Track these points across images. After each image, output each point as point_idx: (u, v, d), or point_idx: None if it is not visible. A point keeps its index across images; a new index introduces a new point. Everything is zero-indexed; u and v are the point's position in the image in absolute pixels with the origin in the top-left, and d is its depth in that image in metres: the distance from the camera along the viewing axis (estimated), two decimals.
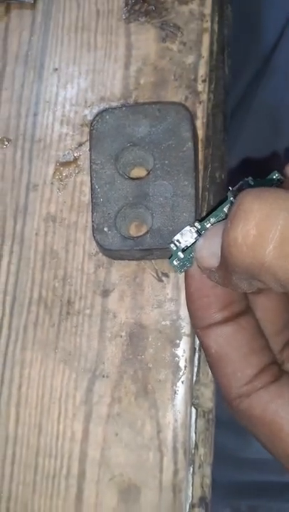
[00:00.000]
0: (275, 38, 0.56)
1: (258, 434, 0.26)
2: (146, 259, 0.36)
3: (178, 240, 0.32)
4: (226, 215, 0.29)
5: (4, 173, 0.38)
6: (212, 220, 0.31)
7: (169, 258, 0.32)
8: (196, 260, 0.28)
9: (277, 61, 0.56)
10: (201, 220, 0.31)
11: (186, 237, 0.32)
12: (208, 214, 0.31)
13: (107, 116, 0.35)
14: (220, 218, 0.30)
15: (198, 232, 0.32)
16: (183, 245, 0.32)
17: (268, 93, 0.57)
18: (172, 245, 0.32)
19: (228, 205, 0.29)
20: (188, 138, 0.34)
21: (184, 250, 0.32)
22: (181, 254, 0.32)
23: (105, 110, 0.35)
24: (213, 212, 0.31)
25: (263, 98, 0.58)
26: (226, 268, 0.23)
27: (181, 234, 0.32)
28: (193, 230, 0.32)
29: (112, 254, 0.35)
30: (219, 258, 0.25)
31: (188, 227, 0.32)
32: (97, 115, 0.35)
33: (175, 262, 0.32)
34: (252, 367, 0.26)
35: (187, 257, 0.32)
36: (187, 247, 0.32)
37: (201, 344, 0.28)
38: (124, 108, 0.35)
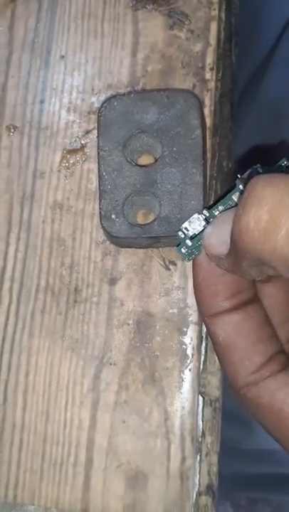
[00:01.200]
0: (279, 29, 0.56)
1: (265, 422, 0.26)
2: (154, 247, 0.36)
3: (186, 228, 0.32)
4: (235, 203, 0.29)
5: (11, 161, 0.38)
6: (220, 207, 0.30)
7: (177, 246, 0.32)
8: (205, 248, 0.28)
9: (282, 52, 0.55)
10: (209, 208, 0.31)
11: (194, 224, 0.32)
12: (217, 202, 0.31)
13: (115, 103, 0.34)
14: (228, 206, 0.30)
15: (207, 220, 0.31)
16: (191, 233, 0.32)
17: (272, 84, 0.57)
18: (180, 233, 0.32)
19: (236, 193, 0.29)
20: (196, 125, 0.34)
21: (192, 238, 0.32)
22: (189, 242, 0.32)
23: (113, 97, 0.35)
24: (222, 200, 0.30)
25: (266, 89, 0.58)
26: (236, 254, 0.23)
27: (189, 222, 0.32)
28: (202, 217, 0.32)
29: (120, 241, 0.35)
30: (228, 245, 0.25)
31: (196, 215, 0.32)
32: (105, 101, 0.35)
33: (183, 250, 0.32)
34: (260, 355, 0.26)
35: (195, 245, 0.32)
36: (195, 235, 0.32)
37: (209, 332, 0.28)
38: (132, 95, 0.35)
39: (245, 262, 0.23)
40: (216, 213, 0.30)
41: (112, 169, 0.34)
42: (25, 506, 0.34)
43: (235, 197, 0.29)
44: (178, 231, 0.32)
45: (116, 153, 0.34)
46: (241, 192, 0.28)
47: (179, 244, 0.32)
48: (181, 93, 0.35)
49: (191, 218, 0.32)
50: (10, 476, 0.34)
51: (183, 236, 0.32)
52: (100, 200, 0.34)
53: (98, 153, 0.34)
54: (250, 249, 0.22)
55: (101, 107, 0.35)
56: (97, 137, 0.34)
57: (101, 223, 0.34)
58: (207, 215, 0.31)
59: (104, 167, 0.34)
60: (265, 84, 0.57)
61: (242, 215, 0.21)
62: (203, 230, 0.31)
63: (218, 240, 0.26)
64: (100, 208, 0.34)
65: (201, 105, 0.36)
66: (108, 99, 0.35)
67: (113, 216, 0.34)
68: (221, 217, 0.28)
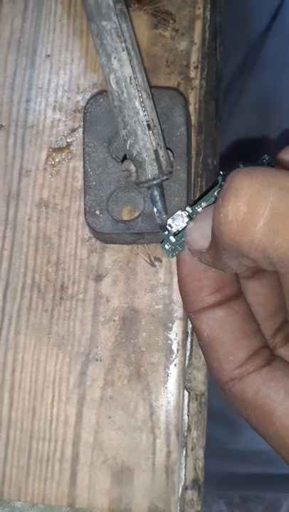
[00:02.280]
0: (263, 27, 0.56)
1: (250, 417, 0.26)
2: (138, 244, 0.36)
3: (169, 225, 0.32)
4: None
5: None
6: (203, 204, 0.31)
7: (161, 242, 0.32)
8: (187, 243, 0.28)
9: (266, 51, 0.56)
10: (192, 205, 0.32)
11: (178, 221, 0.32)
12: (200, 198, 0.32)
13: (101, 100, 0.35)
14: (211, 202, 0.30)
15: (190, 217, 0.32)
16: (174, 229, 0.32)
17: (257, 82, 0.57)
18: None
19: (218, 190, 0.29)
20: (181, 123, 0.34)
21: (175, 234, 0.32)
22: (172, 239, 0.32)
23: (99, 93, 0.35)
24: (204, 197, 0.31)
25: (251, 87, 0.58)
26: (216, 247, 0.24)
27: (173, 218, 0.33)
28: (185, 214, 0.32)
29: (104, 237, 0.35)
30: (210, 239, 0.25)
31: (179, 212, 0.32)
32: (91, 98, 0.35)
33: (167, 246, 0.32)
34: (244, 350, 0.27)
35: (179, 241, 0.32)
36: (179, 232, 0.32)
37: (194, 328, 0.28)
38: None
39: (225, 255, 0.23)
40: (199, 210, 0.31)
41: (97, 165, 0.34)
42: (12, 502, 0.34)
43: (217, 193, 0.29)
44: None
45: (101, 150, 0.35)
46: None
47: (163, 241, 0.32)
48: (166, 91, 0.35)
49: (174, 215, 0.32)
50: None
51: (166, 233, 0.32)
52: (85, 196, 0.34)
53: (83, 149, 0.35)
54: (229, 241, 0.22)
55: (87, 103, 0.35)
56: (83, 133, 0.35)
57: (85, 219, 0.34)
58: (190, 211, 0.31)
59: (89, 163, 0.34)
60: (250, 83, 0.58)
61: (221, 207, 0.22)
62: (186, 227, 0.32)
63: (200, 234, 0.27)
64: (84, 204, 0.34)
65: (186, 103, 0.36)
66: (94, 96, 0.35)
67: (97, 212, 0.34)
68: (203, 212, 0.28)
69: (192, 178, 0.37)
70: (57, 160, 0.38)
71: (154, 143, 0.32)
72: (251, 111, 0.59)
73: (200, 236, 0.27)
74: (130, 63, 0.32)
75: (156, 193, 0.32)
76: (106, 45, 0.32)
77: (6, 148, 0.38)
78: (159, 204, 0.33)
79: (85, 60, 0.39)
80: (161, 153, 0.32)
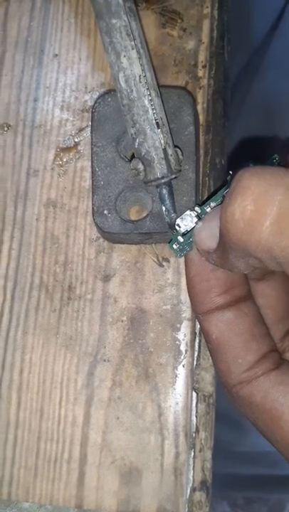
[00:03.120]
0: (267, 28, 0.56)
1: (257, 421, 0.26)
2: (146, 244, 0.36)
3: (178, 224, 0.32)
4: None
5: (4, 159, 0.38)
6: (212, 204, 0.31)
7: (169, 242, 0.32)
8: (195, 243, 0.28)
9: (271, 52, 0.56)
10: (201, 205, 0.32)
11: (186, 221, 0.32)
12: (209, 198, 0.31)
13: (109, 99, 0.34)
14: (220, 202, 0.30)
15: (199, 217, 0.31)
16: (183, 229, 0.32)
17: (261, 83, 0.57)
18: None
19: (227, 190, 0.29)
20: (190, 122, 0.34)
21: (183, 234, 0.32)
22: (180, 239, 0.32)
23: (108, 93, 0.35)
24: (213, 197, 0.31)
25: (256, 88, 0.58)
26: (223, 247, 0.23)
27: (182, 218, 0.32)
28: (194, 214, 0.32)
29: (112, 237, 0.35)
30: (218, 239, 0.25)
31: (188, 212, 0.32)
32: (99, 97, 0.35)
33: (175, 246, 0.32)
34: (253, 353, 0.26)
35: (187, 241, 0.32)
36: (187, 232, 0.32)
37: (202, 330, 0.28)
38: None
39: (232, 254, 0.23)
40: (208, 210, 0.31)
41: (105, 165, 0.34)
42: (20, 503, 0.34)
43: (226, 193, 0.29)
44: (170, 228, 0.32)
45: (109, 149, 0.34)
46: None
47: (171, 241, 0.32)
48: (175, 90, 0.35)
49: (183, 215, 0.32)
50: (4, 473, 0.34)
51: (175, 232, 0.32)
52: (93, 196, 0.34)
53: (92, 149, 0.34)
54: (236, 240, 0.21)
55: (95, 102, 0.35)
56: (91, 133, 0.35)
57: (93, 219, 0.34)
58: (199, 211, 0.31)
59: (97, 163, 0.34)
60: (256, 84, 0.58)
61: (228, 205, 0.21)
62: (195, 227, 0.31)
63: (208, 234, 0.26)
64: (92, 204, 0.34)
65: (194, 102, 0.36)
66: (102, 95, 0.35)
67: (105, 212, 0.34)
68: (212, 212, 0.28)
69: (200, 178, 0.37)
70: (64, 160, 0.38)
71: (162, 141, 0.32)
72: (256, 112, 0.58)
73: (208, 236, 0.26)
74: (139, 61, 0.32)
75: (164, 191, 0.32)
76: (115, 43, 0.32)
77: (14, 147, 0.38)
78: (168, 203, 0.32)
79: (92, 59, 0.39)
80: (170, 151, 0.32)
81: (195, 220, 0.32)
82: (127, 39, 0.31)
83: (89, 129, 0.38)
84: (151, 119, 0.32)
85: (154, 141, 0.32)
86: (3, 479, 0.34)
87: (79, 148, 0.38)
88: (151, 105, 0.32)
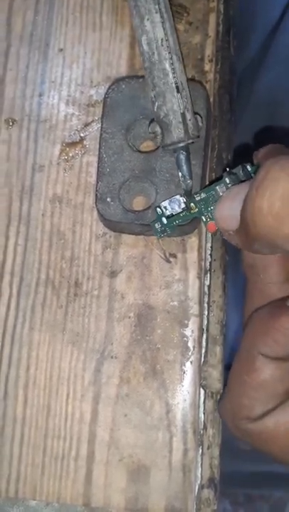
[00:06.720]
0: (272, 24, 0.56)
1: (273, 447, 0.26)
2: (147, 235, 0.35)
3: (165, 207, 0.32)
4: (219, 195, 0.29)
5: (10, 154, 0.38)
6: (203, 194, 0.31)
7: (152, 221, 0.32)
8: (216, 220, 0.27)
9: (276, 48, 0.55)
10: (191, 194, 0.32)
11: (174, 205, 0.32)
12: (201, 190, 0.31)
13: (123, 86, 0.34)
14: (211, 195, 0.30)
15: (186, 204, 0.32)
16: (168, 212, 0.32)
17: (266, 80, 0.57)
18: (158, 209, 0.32)
19: (222, 186, 0.29)
20: (202, 116, 0.34)
21: (168, 217, 0.32)
22: (164, 220, 0.32)
23: (122, 79, 0.35)
24: (206, 188, 0.31)
25: (260, 84, 0.57)
26: (247, 234, 0.23)
27: (170, 201, 0.33)
28: (182, 200, 0.32)
29: (113, 225, 0.35)
30: (238, 221, 0.25)
31: (178, 196, 0.32)
32: (113, 83, 0.35)
33: (156, 226, 0.33)
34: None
35: (169, 225, 0.32)
36: (172, 215, 0.32)
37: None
38: (141, 79, 0.34)
39: (257, 244, 0.23)
40: (198, 198, 0.31)
41: (113, 152, 0.34)
42: (27, 501, 0.34)
43: (219, 188, 0.29)
44: (156, 207, 0.32)
45: (118, 137, 0.34)
46: (227, 186, 0.29)
47: (154, 220, 0.32)
48: (189, 83, 0.34)
49: (172, 198, 0.33)
50: (11, 470, 0.34)
51: (161, 213, 0.32)
52: (97, 182, 0.34)
53: (100, 134, 0.34)
54: (264, 233, 0.21)
55: (109, 88, 0.35)
56: (101, 118, 0.34)
57: (96, 205, 0.33)
58: (187, 200, 0.31)
59: (105, 149, 0.34)
60: (260, 80, 0.57)
61: (256, 198, 0.21)
62: (180, 213, 0.32)
63: (230, 213, 0.26)
64: (96, 190, 0.34)
65: (208, 96, 0.35)
66: (117, 81, 0.35)
67: (108, 199, 0.34)
68: (234, 190, 0.27)
69: (207, 174, 0.37)
70: (70, 155, 0.37)
71: (181, 106, 0.32)
72: (261, 108, 0.58)
73: (229, 216, 0.26)
74: (162, 25, 0.32)
75: (182, 156, 0.32)
76: (140, 6, 0.32)
77: (19, 142, 0.38)
78: (185, 169, 0.32)
79: (98, 54, 0.39)
80: (188, 116, 0.32)
81: (182, 206, 0.32)
82: (151, 2, 0.32)
83: (94, 123, 0.37)
84: (171, 82, 0.32)
85: (173, 104, 0.32)
86: (10, 477, 0.34)
87: (85, 143, 0.37)
88: (172, 69, 0.32)
